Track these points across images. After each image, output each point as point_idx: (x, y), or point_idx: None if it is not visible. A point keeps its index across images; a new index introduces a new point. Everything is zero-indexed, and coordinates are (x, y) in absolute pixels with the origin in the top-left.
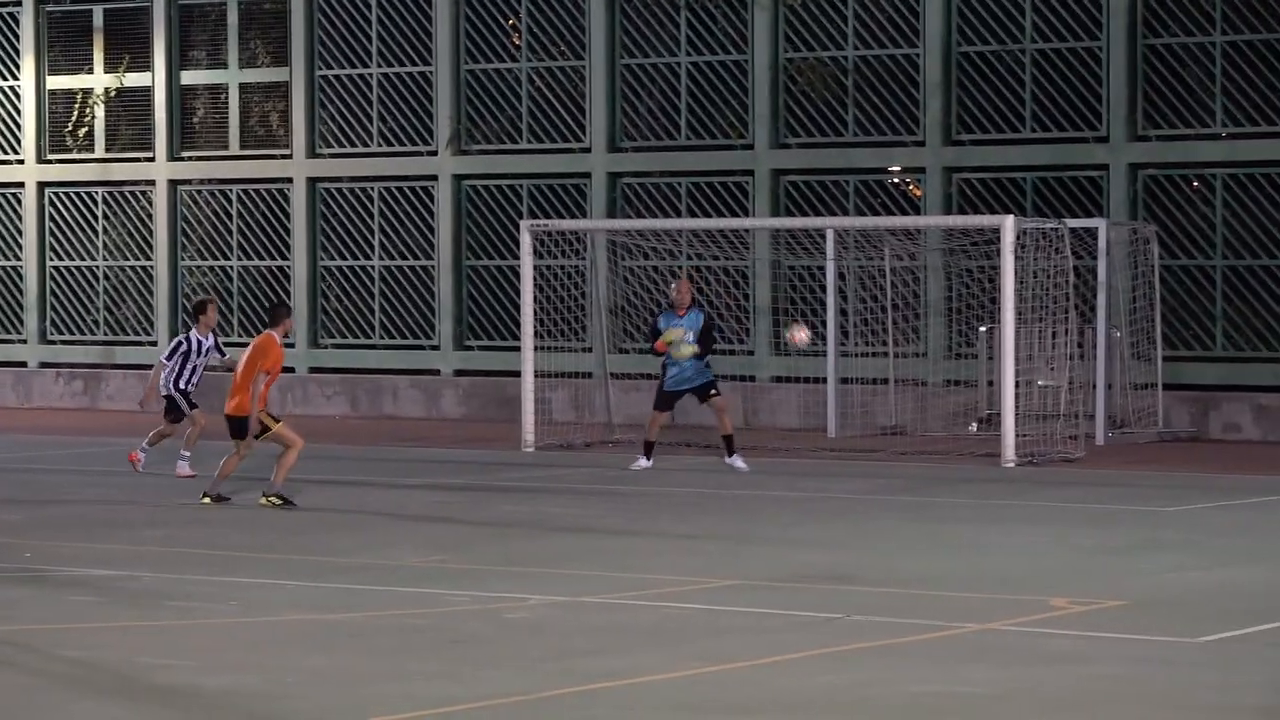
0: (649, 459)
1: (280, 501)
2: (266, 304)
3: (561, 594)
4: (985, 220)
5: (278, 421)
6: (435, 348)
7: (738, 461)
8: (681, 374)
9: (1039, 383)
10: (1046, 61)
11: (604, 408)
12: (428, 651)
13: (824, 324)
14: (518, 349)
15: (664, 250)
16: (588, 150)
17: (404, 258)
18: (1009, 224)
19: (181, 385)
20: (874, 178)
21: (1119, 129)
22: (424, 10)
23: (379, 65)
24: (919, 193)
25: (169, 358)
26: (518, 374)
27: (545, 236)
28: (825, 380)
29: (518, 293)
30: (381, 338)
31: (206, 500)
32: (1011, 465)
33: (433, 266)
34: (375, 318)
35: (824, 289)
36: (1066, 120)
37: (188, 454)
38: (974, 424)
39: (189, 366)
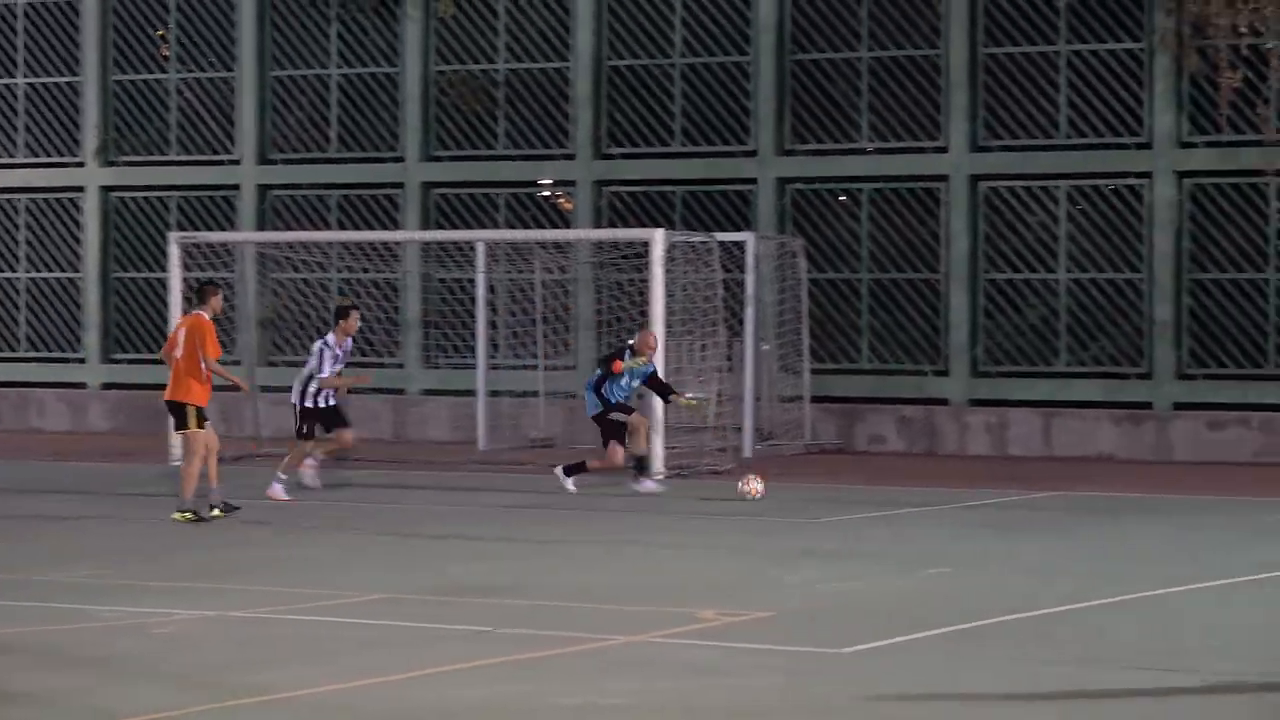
0: (650, 479)
1: (196, 517)
2: None
3: (210, 608)
4: (635, 234)
5: (203, 424)
6: (81, 361)
7: (647, 484)
8: (627, 398)
9: (688, 395)
10: (696, 76)
11: (252, 421)
12: (73, 668)
13: (474, 336)
14: (164, 362)
15: (314, 263)
16: (237, 162)
17: (50, 270)
18: (658, 237)
19: (309, 401)
20: (524, 191)
21: (767, 143)
22: (71, 20)
23: (25, 75)
24: (569, 206)
25: (326, 373)
26: (164, 387)
27: (194, 249)
28: (475, 393)
29: (166, 305)
30: (27, 350)
31: (216, 513)
32: (660, 477)
33: (79, 279)
34: (20, 330)
35: (474, 302)
36: (715, 135)
37: (285, 477)
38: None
39: (327, 374)
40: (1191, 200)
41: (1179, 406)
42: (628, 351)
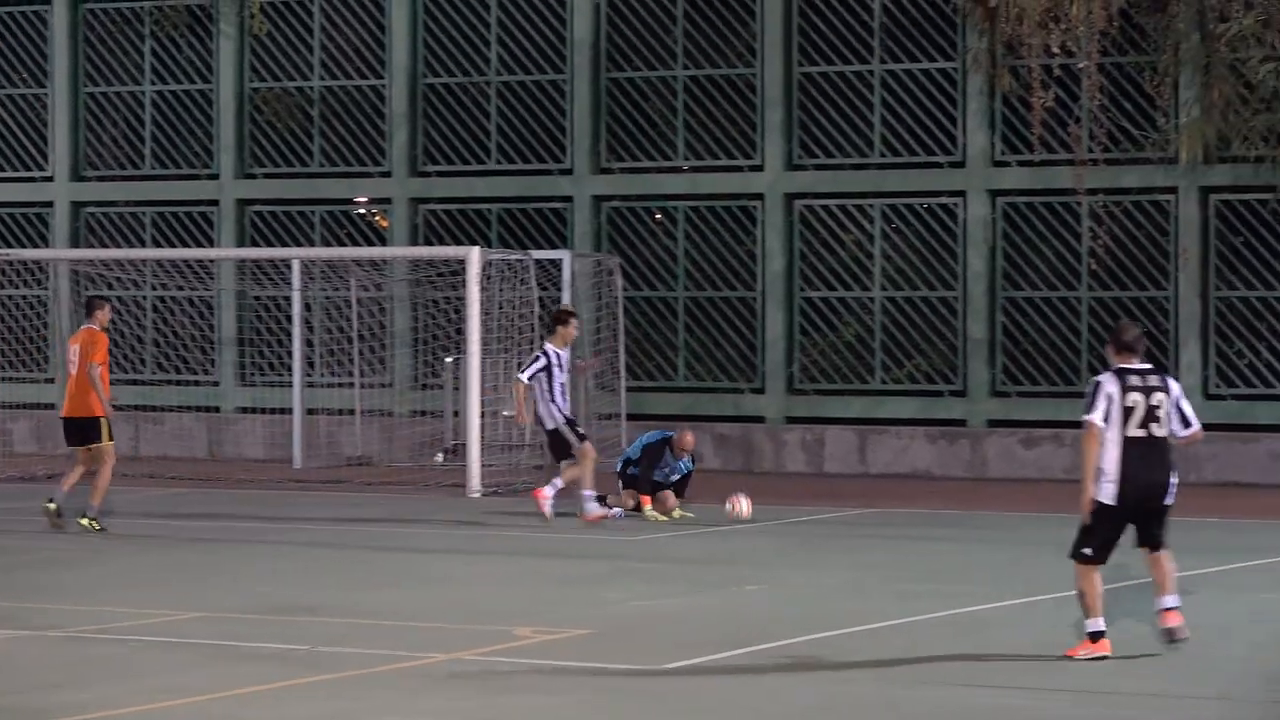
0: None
1: (100, 527)
2: None
3: (25, 628)
4: (451, 251)
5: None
6: None
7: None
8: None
9: (504, 413)
10: (511, 94)
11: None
12: None
13: (290, 354)
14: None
15: (129, 280)
16: (50, 179)
17: None
18: (474, 255)
19: (566, 412)
20: (340, 208)
21: (583, 161)
22: None
23: None
24: (385, 223)
25: (530, 376)
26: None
27: (6, 266)
28: (291, 411)
29: None
30: None
31: (86, 522)
32: (477, 496)
33: None
34: None
35: (290, 319)
36: (531, 153)
37: (592, 493)
38: (440, 454)
39: (556, 385)
40: (1005, 219)
41: (993, 424)
42: (665, 456)
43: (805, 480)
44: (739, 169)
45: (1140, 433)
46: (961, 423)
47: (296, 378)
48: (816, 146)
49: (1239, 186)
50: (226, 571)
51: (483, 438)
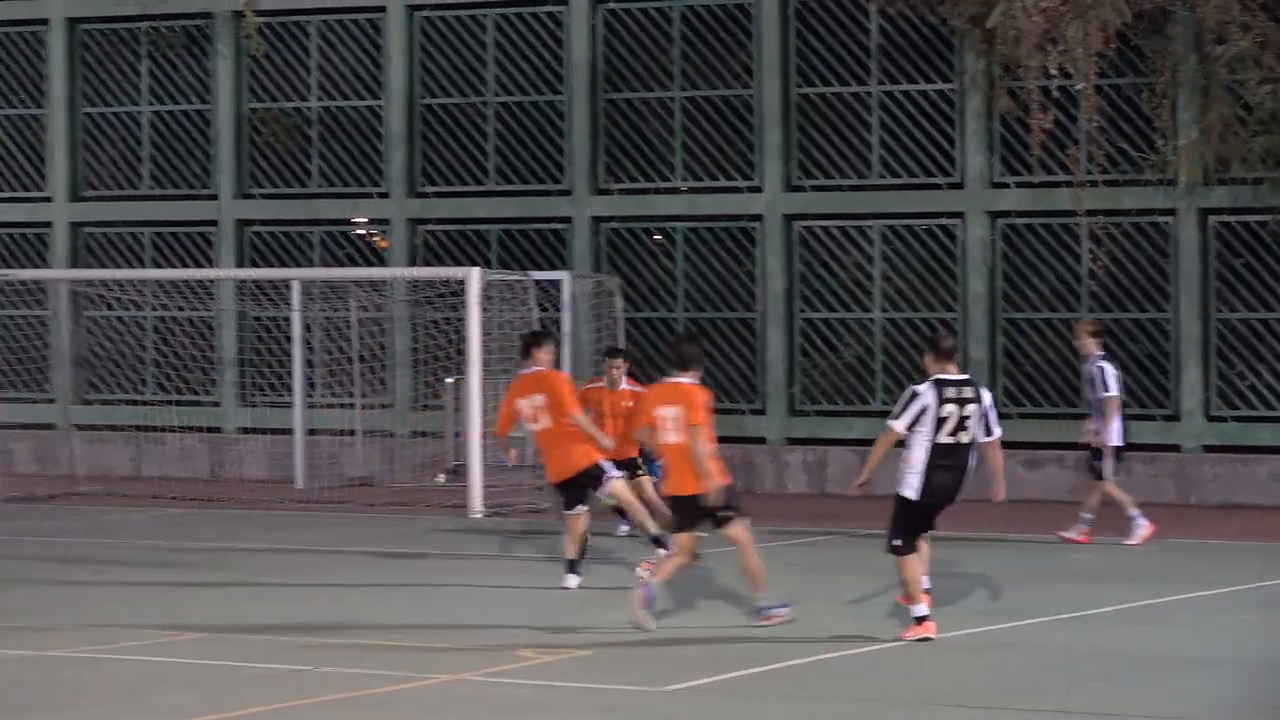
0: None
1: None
2: None
3: (28, 648)
4: (451, 272)
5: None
6: None
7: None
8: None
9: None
10: (510, 115)
11: (68, 459)
12: None
13: (290, 375)
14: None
15: (128, 300)
16: (49, 199)
17: None
18: (474, 276)
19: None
20: (339, 229)
21: (582, 183)
22: None
23: None
24: (384, 244)
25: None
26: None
27: (6, 286)
28: (293, 431)
29: None
30: None
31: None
32: (480, 516)
33: None
34: None
35: (290, 339)
36: (530, 173)
37: (1090, 516)
38: (441, 475)
39: None
40: (1004, 240)
41: None
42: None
43: (807, 501)
44: (738, 190)
45: (949, 440)
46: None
47: (297, 398)
48: (815, 168)
49: (1238, 208)
50: (229, 592)
51: (485, 458)
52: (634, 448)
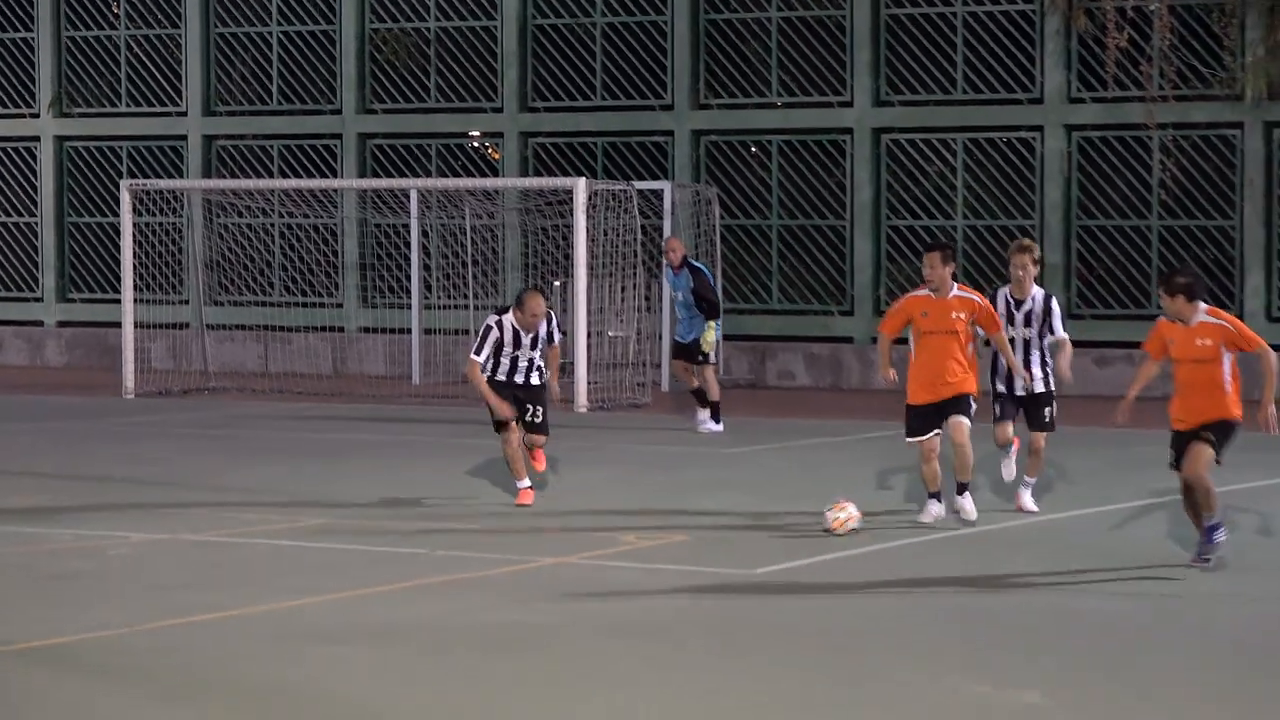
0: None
1: None
2: None
3: (161, 532)
4: (559, 182)
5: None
6: (39, 300)
7: (709, 424)
8: (679, 328)
9: (609, 333)
10: (616, 35)
11: (200, 357)
12: (30, 587)
13: (409, 278)
14: (118, 301)
15: (257, 209)
16: (184, 114)
17: (8, 214)
18: (581, 186)
19: None
20: (455, 141)
21: (683, 98)
22: None
23: None
24: (497, 156)
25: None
26: (118, 325)
27: (144, 195)
28: (410, 331)
29: (119, 248)
30: None
31: None
32: (584, 411)
33: (36, 223)
34: None
35: (409, 246)
36: (634, 89)
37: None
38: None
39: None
40: (1080, 152)
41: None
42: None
43: (890, 397)
44: (829, 105)
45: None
46: None
47: (415, 300)
48: (902, 84)
49: None
50: (352, 480)
51: (589, 356)
52: None
